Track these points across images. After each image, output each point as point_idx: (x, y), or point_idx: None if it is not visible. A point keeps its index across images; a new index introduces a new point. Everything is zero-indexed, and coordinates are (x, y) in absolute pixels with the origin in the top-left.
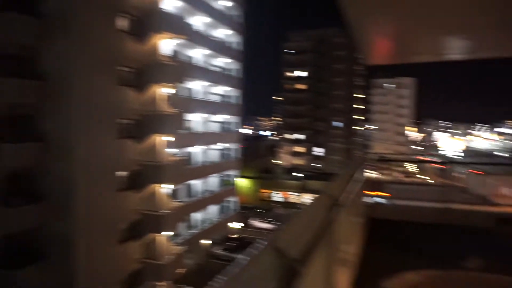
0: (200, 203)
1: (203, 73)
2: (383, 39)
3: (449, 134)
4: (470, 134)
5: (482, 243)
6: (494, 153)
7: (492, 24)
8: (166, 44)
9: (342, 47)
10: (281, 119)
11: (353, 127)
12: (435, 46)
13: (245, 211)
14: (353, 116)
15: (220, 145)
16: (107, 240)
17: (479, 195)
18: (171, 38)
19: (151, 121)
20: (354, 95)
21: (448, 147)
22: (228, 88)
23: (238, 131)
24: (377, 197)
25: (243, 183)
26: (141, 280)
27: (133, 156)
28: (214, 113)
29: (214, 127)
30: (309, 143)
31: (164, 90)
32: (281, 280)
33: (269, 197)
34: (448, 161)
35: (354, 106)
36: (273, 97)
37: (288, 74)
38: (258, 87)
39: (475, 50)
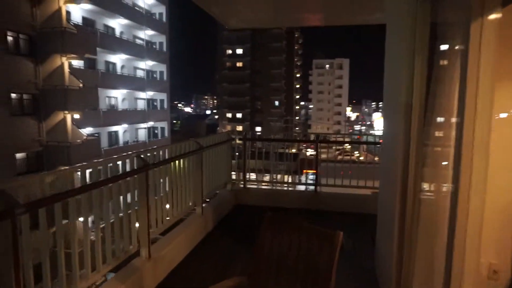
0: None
1: (126, 45)
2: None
3: (380, 114)
4: None
5: None
6: None
7: None
8: (75, 11)
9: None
10: (222, 97)
11: (292, 106)
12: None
13: None
14: (292, 95)
15: (149, 124)
16: None
17: None
18: (78, 2)
19: (54, 96)
20: (294, 74)
21: (379, 126)
22: (155, 63)
23: (167, 108)
24: (309, 174)
25: None
26: None
27: (35, 136)
28: (140, 89)
29: (141, 105)
30: (249, 122)
31: (74, 63)
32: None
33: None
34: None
35: (293, 85)
36: (217, 76)
37: (228, 51)
38: (202, 64)
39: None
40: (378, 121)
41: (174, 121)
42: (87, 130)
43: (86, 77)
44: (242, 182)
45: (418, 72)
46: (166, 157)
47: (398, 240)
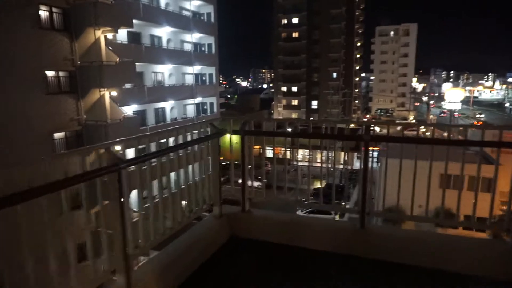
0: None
1: (171, 17)
2: None
3: (452, 84)
4: (479, 84)
5: None
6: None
7: None
8: None
9: None
10: (277, 70)
11: (352, 77)
12: None
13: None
14: (352, 66)
15: (197, 100)
16: None
17: (477, 151)
18: None
19: (90, 72)
20: (354, 43)
21: (452, 97)
22: (203, 35)
23: (216, 83)
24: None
25: (232, 139)
26: None
27: (73, 115)
28: (187, 63)
29: (189, 80)
30: (305, 95)
31: (117, 37)
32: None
33: (260, 153)
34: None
35: (353, 55)
36: (273, 47)
37: (284, 21)
38: (260, 36)
39: None
40: (449, 93)
41: (230, 96)
42: (132, 108)
43: (129, 52)
44: (245, 204)
45: None
46: None
47: None
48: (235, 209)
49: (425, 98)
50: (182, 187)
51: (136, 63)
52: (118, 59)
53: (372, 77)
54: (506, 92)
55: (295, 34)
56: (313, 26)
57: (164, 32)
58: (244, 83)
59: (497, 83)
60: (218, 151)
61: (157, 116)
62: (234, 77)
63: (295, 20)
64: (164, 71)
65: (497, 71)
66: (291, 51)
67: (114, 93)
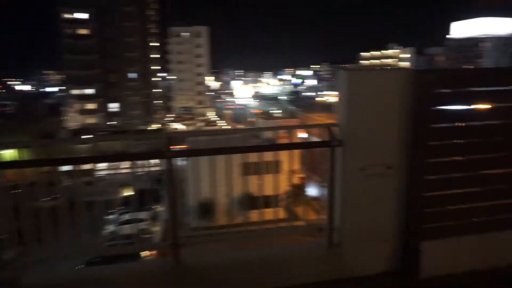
0: None
1: None
2: None
3: (242, 82)
4: (260, 81)
5: None
6: (278, 97)
7: None
8: None
9: None
10: (66, 71)
11: (151, 78)
12: None
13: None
14: (150, 66)
15: None
16: None
17: (267, 138)
18: None
19: None
20: (149, 43)
21: (242, 93)
22: None
23: None
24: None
25: (10, 154)
26: None
27: None
28: None
29: None
30: (102, 98)
31: None
32: None
33: (53, 168)
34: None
35: (149, 55)
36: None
37: (68, 16)
38: (46, 33)
39: None
40: (238, 89)
41: (12, 103)
42: None
43: None
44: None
45: None
46: None
47: None
48: None
49: (223, 96)
50: None
51: None
52: None
53: (174, 77)
54: (282, 87)
55: (85, 31)
56: (104, 23)
57: None
58: (25, 87)
59: (274, 80)
60: None
61: None
62: (9, 80)
63: (83, 16)
64: None
65: (273, 70)
66: (82, 50)
67: None
